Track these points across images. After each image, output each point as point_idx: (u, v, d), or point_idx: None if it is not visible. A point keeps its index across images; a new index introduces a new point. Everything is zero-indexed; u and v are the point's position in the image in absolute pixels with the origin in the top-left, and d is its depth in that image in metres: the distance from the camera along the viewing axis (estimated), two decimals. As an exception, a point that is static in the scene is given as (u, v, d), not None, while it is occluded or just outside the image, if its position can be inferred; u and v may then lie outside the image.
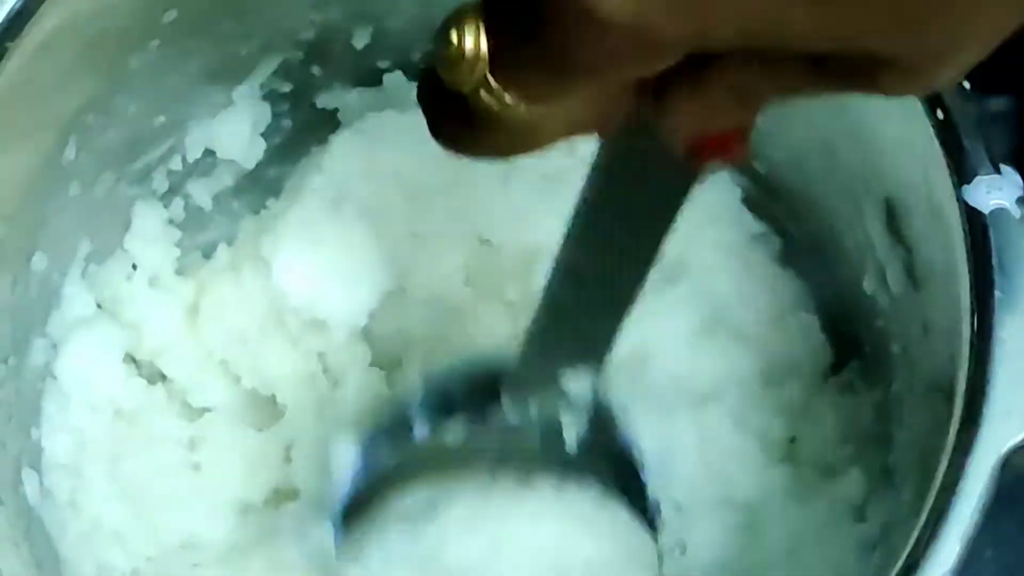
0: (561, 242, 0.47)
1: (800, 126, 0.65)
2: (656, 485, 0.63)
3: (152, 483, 0.69)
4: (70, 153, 0.62)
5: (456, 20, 0.33)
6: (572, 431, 0.60)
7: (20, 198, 0.59)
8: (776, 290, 0.71)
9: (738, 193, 0.72)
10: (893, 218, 0.60)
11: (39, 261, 0.64)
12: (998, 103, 0.51)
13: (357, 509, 0.63)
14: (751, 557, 0.64)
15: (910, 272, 0.60)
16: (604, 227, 0.45)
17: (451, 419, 0.61)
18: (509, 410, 0.59)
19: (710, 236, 0.70)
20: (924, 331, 0.58)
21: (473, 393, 0.60)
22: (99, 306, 0.71)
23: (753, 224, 0.72)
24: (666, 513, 0.63)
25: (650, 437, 0.62)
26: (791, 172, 0.70)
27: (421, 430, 0.61)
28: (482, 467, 0.62)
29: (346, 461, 0.63)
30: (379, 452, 0.63)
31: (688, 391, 0.67)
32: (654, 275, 0.47)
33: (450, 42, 0.33)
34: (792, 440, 0.68)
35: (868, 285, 0.65)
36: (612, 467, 0.62)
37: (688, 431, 0.66)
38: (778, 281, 0.71)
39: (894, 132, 0.57)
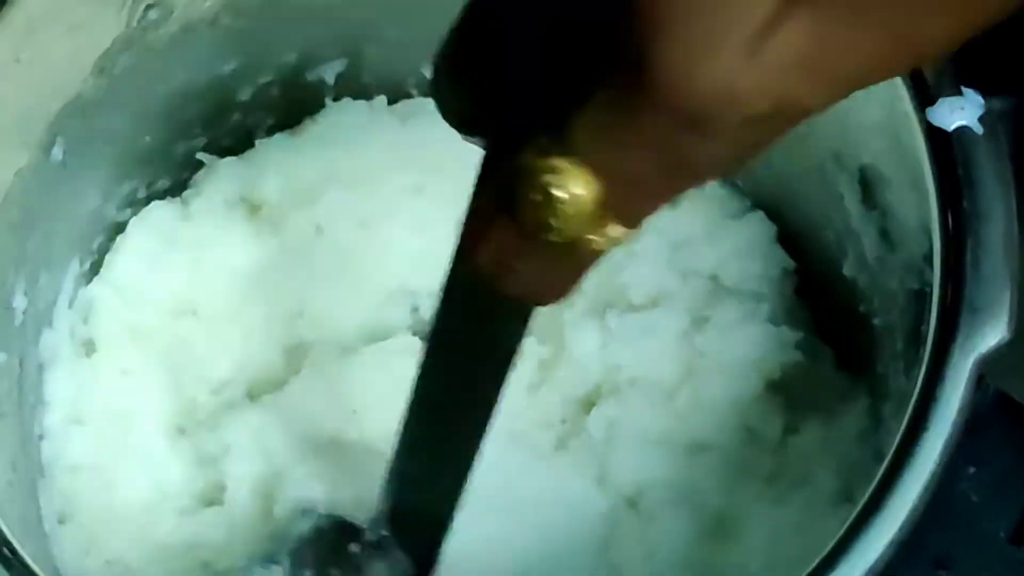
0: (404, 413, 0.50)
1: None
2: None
3: (160, 521, 0.68)
4: (58, 153, 0.63)
5: (543, 174, 0.31)
6: None
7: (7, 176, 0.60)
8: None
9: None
10: (868, 186, 0.61)
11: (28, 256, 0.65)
12: (998, 103, 0.52)
13: None
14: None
15: (885, 235, 0.60)
16: (441, 394, 0.47)
17: None
18: None
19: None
20: (901, 286, 0.58)
21: None
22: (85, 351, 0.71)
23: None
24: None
25: None
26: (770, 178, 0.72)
27: None
28: None
29: None
30: None
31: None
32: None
33: (558, 198, 0.31)
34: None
35: (848, 268, 0.66)
36: None
37: None
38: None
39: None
